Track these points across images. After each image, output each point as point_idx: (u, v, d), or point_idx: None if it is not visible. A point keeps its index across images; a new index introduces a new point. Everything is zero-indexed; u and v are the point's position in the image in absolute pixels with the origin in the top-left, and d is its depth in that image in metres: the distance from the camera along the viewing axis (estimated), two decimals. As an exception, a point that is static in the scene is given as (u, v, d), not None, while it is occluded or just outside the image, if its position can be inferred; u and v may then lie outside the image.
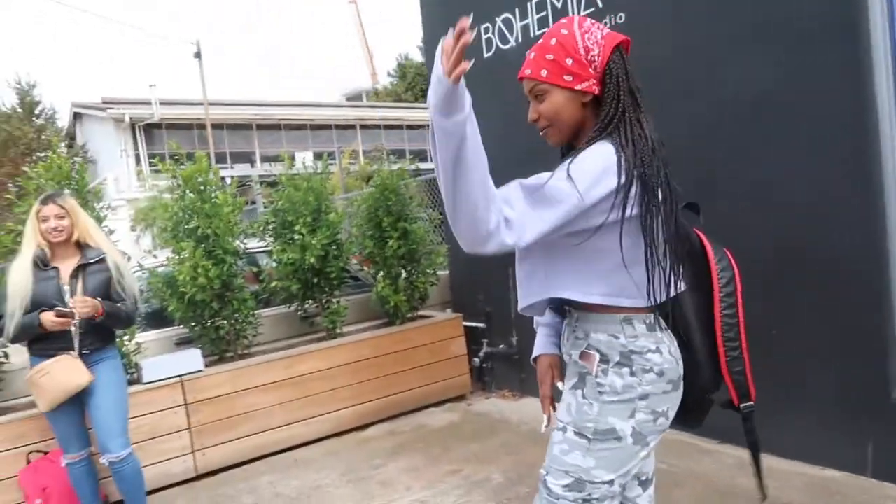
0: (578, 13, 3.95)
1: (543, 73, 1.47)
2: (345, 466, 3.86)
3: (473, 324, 5.08)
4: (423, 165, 14.81)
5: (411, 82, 37.43)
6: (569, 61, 1.45)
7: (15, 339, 3.09)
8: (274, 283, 4.58)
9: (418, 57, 37.20)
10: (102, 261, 3.16)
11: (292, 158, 5.11)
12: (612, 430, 1.45)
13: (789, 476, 3.00)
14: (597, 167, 1.36)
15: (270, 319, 4.82)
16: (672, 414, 1.51)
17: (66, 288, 3.08)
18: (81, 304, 2.99)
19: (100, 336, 3.16)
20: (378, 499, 3.37)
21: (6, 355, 3.71)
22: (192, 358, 4.05)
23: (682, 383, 1.51)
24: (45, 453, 3.49)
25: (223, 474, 3.96)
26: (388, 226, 4.75)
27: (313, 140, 26.90)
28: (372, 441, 4.25)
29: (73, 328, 3.04)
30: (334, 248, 4.59)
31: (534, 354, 1.79)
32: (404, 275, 4.94)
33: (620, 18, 3.72)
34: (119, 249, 3.42)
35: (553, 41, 1.47)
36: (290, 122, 26.86)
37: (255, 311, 4.48)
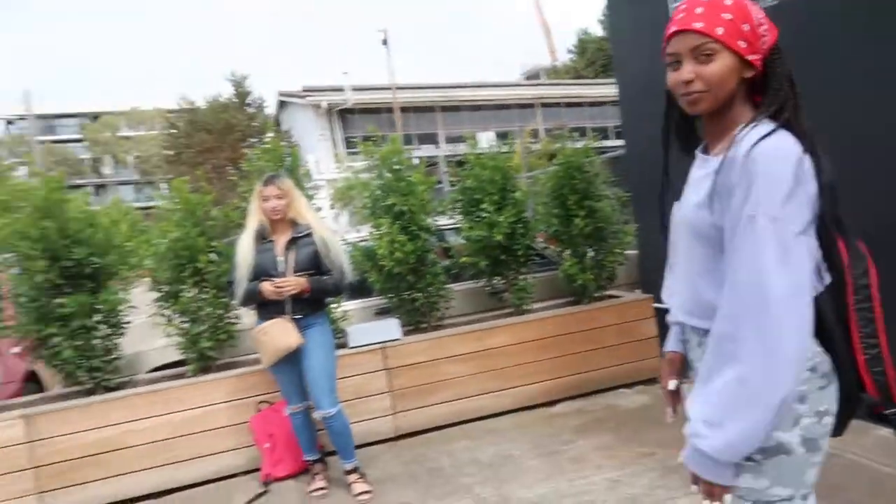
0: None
1: (719, 30, 1.32)
2: (534, 440, 3.95)
3: (665, 305, 4.89)
4: (606, 143, 14.49)
5: (591, 58, 36.43)
6: (745, 27, 1.33)
7: (242, 304, 3.57)
8: (463, 259, 4.75)
9: (598, 32, 36.03)
10: (310, 235, 3.50)
11: (476, 139, 5.24)
12: (779, 446, 1.33)
13: None
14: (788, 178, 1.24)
15: (460, 294, 5.01)
16: (834, 410, 1.37)
17: (280, 259, 3.46)
18: (287, 285, 3.35)
19: (310, 304, 3.50)
20: (570, 474, 3.42)
21: (238, 317, 4.23)
22: (392, 327, 4.35)
23: (834, 377, 1.37)
24: (272, 404, 3.96)
25: (421, 436, 4.22)
26: (573, 204, 4.72)
27: (494, 120, 27.26)
28: (560, 417, 4.30)
29: (285, 297, 3.40)
30: (520, 225, 4.66)
31: (668, 349, 1.74)
32: (591, 253, 4.89)
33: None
34: (327, 225, 3.75)
35: (728, 1, 1.34)
36: (472, 102, 27.43)
37: (447, 285, 4.69)
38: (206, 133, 23.91)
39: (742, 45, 1.33)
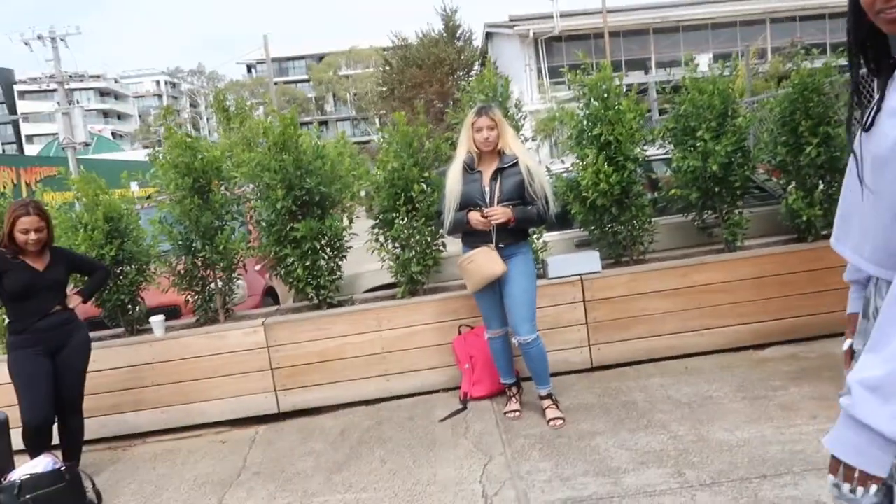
0: None
1: None
2: (739, 382, 3.73)
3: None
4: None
5: (839, -40, 31.43)
6: None
7: (450, 232, 3.71)
8: (673, 191, 4.50)
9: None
10: (515, 165, 3.51)
11: (695, 61, 4.82)
12: None
13: None
14: None
15: (666, 227, 4.78)
16: None
17: (487, 189, 3.52)
18: (495, 214, 3.41)
19: (514, 234, 3.55)
20: (777, 420, 3.20)
21: (444, 245, 4.45)
22: (592, 259, 4.29)
23: None
24: (472, 328, 4.16)
25: (615, 370, 4.20)
26: (805, 130, 4.20)
27: (714, 40, 24.90)
28: (770, 362, 4.00)
29: (492, 227, 3.49)
30: (739, 155, 4.27)
31: (849, 310, 1.59)
32: (822, 186, 4.37)
33: None
34: (532, 156, 3.74)
35: None
36: (689, 22, 25.21)
37: (652, 219, 4.49)
38: (416, 68, 24.84)
39: None
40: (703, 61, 6.30)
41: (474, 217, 3.46)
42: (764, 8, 25.96)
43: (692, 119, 4.33)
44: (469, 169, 3.57)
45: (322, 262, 4.33)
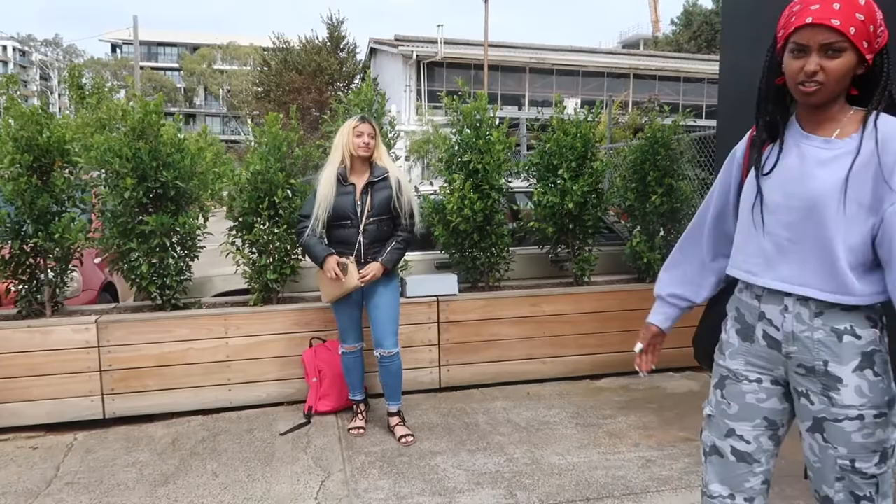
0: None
1: (852, 30, 1.40)
2: (574, 410, 3.94)
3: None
4: (699, 122, 13.85)
5: (696, 31, 34.79)
6: (871, 28, 1.42)
7: (303, 246, 3.63)
8: (531, 223, 4.71)
9: (708, 3, 34.23)
10: (386, 178, 3.54)
11: (563, 103, 5.12)
12: None
13: None
14: None
15: (522, 258, 4.99)
16: None
17: (359, 202, 3.51)
18: (365, 278, 3.44)
19: (380, 248, 3.55)
20: (604, 447, 3.41)
21: (304, 255, 4.34)
22: (449, 281, 4.38)
23: None
24: (324, 341, 4.09)
25: (462, 391, 4.29)
26: (652, 180, 4.58)
27: (583, 87, 26.58)
28: (604, 392, 4.27)
29: (359, 239, 3.48)
30: (594, 196, 4.56)
31: (663, 326, 1.96)
32: (662, 233, 4.76)
33: None
34: (402, 172, 3.78)
35: (862, 0, 1.43)
36: (562, 67, 26.77)
37: (510, 248, 4.67)
38: (296, 73, 24.36)
39: (865, 45, 1.42)
40: (571, 105, 6.69)
41: (330, 267, 3.44)
42: (630, 64, 28.16)
43: (555, 157, 4.57)
44: (342, 181, 3.54)
45: (171, 261, 4.09)
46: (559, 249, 4.86)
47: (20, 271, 3.98)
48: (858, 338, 1.48)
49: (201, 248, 4.25)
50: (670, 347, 4.53)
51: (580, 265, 4.68)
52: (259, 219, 4.12)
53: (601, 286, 4.66)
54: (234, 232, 4.19)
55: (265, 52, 28.38)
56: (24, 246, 3.93)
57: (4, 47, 64.13)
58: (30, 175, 3.83)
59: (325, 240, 3.61)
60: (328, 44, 26.28)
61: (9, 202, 3.86)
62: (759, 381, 1.63)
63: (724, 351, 1.71)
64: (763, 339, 1.60)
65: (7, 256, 3.92)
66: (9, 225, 3.87)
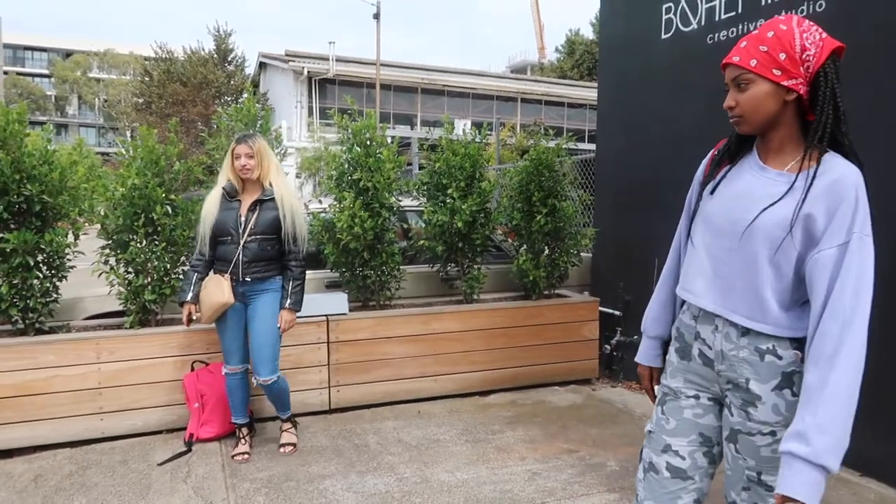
0: (773, -1, 3.68)
1: (753, 62, 1.50)
2: (464, 426, 4.00)
3: (609, 310, 5.00)
4: (581, 146, 14.56)
5: (579, 59, 36.59)
6: (782, 56, 1.48)
7: (185, 274, 3.66)
8: (422, 242, 4.75)
9: (589, 34, 36.19)
10: (274, 199, 3.48)
11: (453, 124, 5.24)
12: None
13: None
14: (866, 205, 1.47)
15: (413, 276, 5.02)
16: None
17: (243, 219, 3.44)
18: (287, 327, 3.51)
19: (263, 267, 3.47)
20: (493, 462, 3.47)
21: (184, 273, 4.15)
22: (340, 301, 4.33)
23: None
24: (207, 364, 3.92)
25: (352, 412, 4.23)
26: (537, 201, 4.76)
27: (474, 108, 27.26)
28: (493, 407, 4.36)
29: (238, 256, 3.41)
30: (482, 215, 4.68)
31: (647, 363, 1.93)
32: (547, 251, 4.96)
33: (820, 7, 3.43)
34: (293, 191, 3.70)
35: (770, 34, 1.50)
36: (454, 88, 27.34)
37: (401, 266, 4.69)
38: (180, 85, 23.38)
39: (777, 73, 1.49)
40: (461, 126, 6.84)
41: (184, 313, 3.52)
42: (518, 88, 29.20)
43: (444, 177, 4.66)
44: (229, 196, 3.48)
45: (35, 281, 3.78)
46: (449, 268, 4.93)
47: None
48: (780, 358, 1.53)
49: (71, 267, 3.96)
50: (559, 362, 4.77)
51: (469, 283, 4.77)
52: (135, 237, 3.91)
53: (489, 303, 4.77)
54: (107, 251, 3.95)
55: (147, 62, 27.04)
56: None
57: None
58: None
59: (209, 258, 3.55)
60: (215, 56, 25.44)
61: None
62: (696, 397, 1.69)
63: (667, 370, 1.78)
64: (699, 357, 1.67)
65: None
66: None
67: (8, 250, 3.62)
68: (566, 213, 4.87)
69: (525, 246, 4.96)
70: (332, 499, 3.07)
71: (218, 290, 3.39)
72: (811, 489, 1.35)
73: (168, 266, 4.00)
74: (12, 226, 3.70)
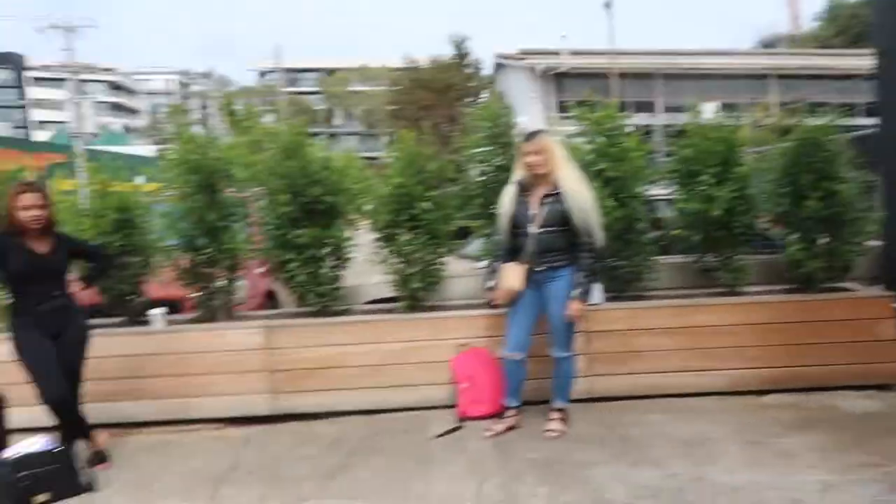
0: None
1: None
2: (737, 426, 3.74)
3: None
4: (854, 121, 12.73)
5: (842, 26, 32.22)
6: None
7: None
8: (675, 231, 4.55)
9: (856, -4, 31.65)
10: (560, 193, 3.59)
11: (698, 108, 4.93)
12: None
13: None
14: None
15: (668, 267, 4.82)
16: None
17: (533, 213, 3.63)
18: (575, 314, 3.64)
19: (555, 257, 3.64)
20: (775, 467, 3.20)
21: (447, 263, 4.45)
22: (595, 291, 4.30)
23: None
24: (472, 348, 4.16)
25: (612, 403, 4.17)
26: (806, 184, 4.28)
27: (720, 90, 25.24)
28: (770, 409, 4.00)
29: (531, 246, 3.61)
30: (742, 202, 4.34)
31: None
32: (824, 240, 4.42)
33: None
34: (583, 185, 3.71)
35: None
36: (696, 70, 25.60)
37: (654, 257, 4.53)
38: (426, 91, 25.07)
39: None
40: (713, 108, 6.41)
41: (497, 295, 3.78)
42: (770, 64, 26.54)
43: (695, 163, 4.42)
44: (522, 191, 3.71)
45: (324, 270, 4.33)
46: (707, 258, 4.64)
47: (197, 279, 4.38)
48: None
49: (351, 258, 4.46)
50: (848, 364, 4.24)
51: (733, 274, 4.45)
52: (401, 230, 4.27)
53: (757, 297, 4.42)
54: (379, 243, 4.38)
55: (395, 73, 29.45)
56: (199, 256, 4.32)
57: (168, 80, 71.00)
58: (199, 193, 4.22)
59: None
60: (454, 60, 26.82)
61: (184, 218, 4.27)
62: None
63: None
64: None
65: (187, 266, 4.32)
66: (186, 238, 4.27)
67: (302, 244, 4.18)
68: (845, 197, 4.30)
69: (795, 234, 4.47)
70: (600, 486, 3.08)
71: (511, 276, 3.63)
72: None
73: (432, 257, 4.32)
74: (304, 223, 4.26)
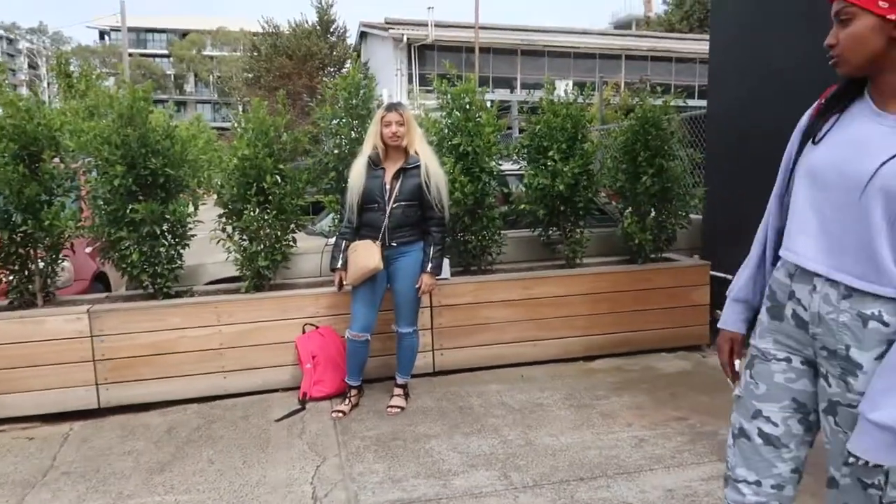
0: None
1: None
2: (568, 391, 3.97)
3: (722, 274, 4.76)
4: (690, 102, 13.75)
5: (689, 10, 34.61)
6: None
7: (335, 241, 3.85)
8: (522, 206, 4.70)
9: (700, -18, 34.05)
10: (418, 167, 3.57)
11: (553, 85, 5.10)
12: None
13: None
14: None
15: (514, 241, 4.98)
16: None
17: (388, 186, 3.58)
18: (427, 288, 3.69)
19: (407, 233, 3.63)
20: (597, 427, 3.44)
21: (294, 241, 4.33)
22: (444, 266, 4.37)
23: None
24: (317, 327, 4.10)
25: (455, 375, 4.30)
26: (643, 161, 4.58)
27: (575, 69, 26.44)
28: (598, 373, 4.30)
29: (385, 222, 3.56)
30: (585, 177, 4.56)
31: (730, 328, 1.79)
32: (653, 213, 4.77)
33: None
34: (436, 160, 3.74)
35: None
36: (554, 49, 26.61)
37: (502, 231, 4.67)
38: (286, 58, 24.12)
39: (883, 5, 1.35)
40: (562, 87, 6.65)
41: (335, 281, 3.78)
42: (621, 45, 28.04)
43: (545, 139, 4.56)
44: (373, 165, 3.61)
45: (161, 249, 4.07)
46: (551, 232, 4.86)
47: (10, 261, 3.96)
48: (886, 325, 1.37)
49: (192, 236, 4.23)
50: (666, 328, 4.61)
51: (572, 247, 4.68)
52: (248, 205, 4.10)
53: (592, 268, 4.67)
54: (223, 219, 4.18)
55: (255, 37, 28.08)
56: (14, 235, 3.90)
57: (-10, 36, 63.38)
58: (17, 164, 3.80)
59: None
60: (318, 28, 25.97)
61: (-4, 192, 3.82)
62: (787, 360, 1.58)
63: (756, 330, 1.67)
64: (792, 318, 1.55)
65: (-2, 246, 3.89)
66: (-1, 214, 3.83)
67: (137, 220, 3.90)
68: (674, 174, 4.65)
69: (630, 208, 4.79)
70: (438, 458, 3.15)
71: (368, 255, 3.55)
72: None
73: (279, 233, 4.18)
74: (140, 197, 3.97)
